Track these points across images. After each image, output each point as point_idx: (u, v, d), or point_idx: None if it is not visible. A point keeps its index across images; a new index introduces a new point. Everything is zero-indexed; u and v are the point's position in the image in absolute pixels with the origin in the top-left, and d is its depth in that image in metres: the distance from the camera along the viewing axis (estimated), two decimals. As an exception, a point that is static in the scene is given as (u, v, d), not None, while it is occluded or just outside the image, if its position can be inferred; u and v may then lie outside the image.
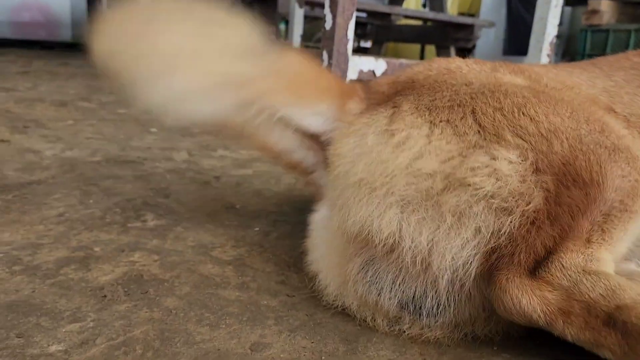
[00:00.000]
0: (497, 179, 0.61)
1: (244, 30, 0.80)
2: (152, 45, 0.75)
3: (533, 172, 0.62)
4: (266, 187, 1.30)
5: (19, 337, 0.64)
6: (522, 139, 0.65)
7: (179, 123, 0.79)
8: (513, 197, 0.60)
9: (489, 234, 0.60)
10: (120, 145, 1.63)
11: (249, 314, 0.72)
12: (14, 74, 3.06)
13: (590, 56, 3.62)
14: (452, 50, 6.02)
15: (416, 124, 0.71)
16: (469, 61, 0.90)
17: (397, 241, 0.64)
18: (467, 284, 0.64)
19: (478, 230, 0.61)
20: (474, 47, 6.64)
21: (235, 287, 0.80)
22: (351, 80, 0.93)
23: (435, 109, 0.72)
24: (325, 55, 1.83)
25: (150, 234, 0.97)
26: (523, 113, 0.66)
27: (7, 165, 1.31)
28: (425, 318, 0.69)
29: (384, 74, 1.93)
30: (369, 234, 0.67)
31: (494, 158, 0.63)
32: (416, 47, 7.30)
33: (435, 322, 0.69)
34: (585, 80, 0.92)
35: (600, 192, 0.62)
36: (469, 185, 0.62)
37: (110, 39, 0.77)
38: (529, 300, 0.58)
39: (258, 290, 0.79)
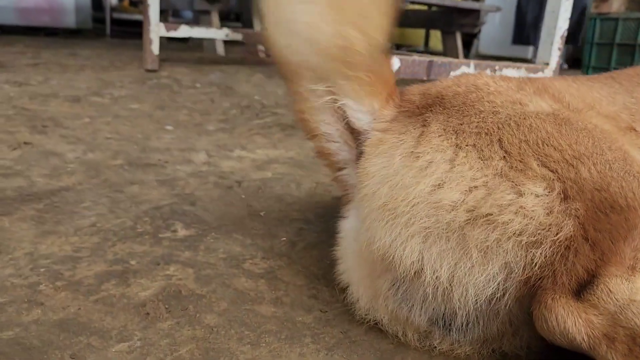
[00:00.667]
0: (524, 216, 0.63)
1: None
2: None
3: (561, 201, 0.64)
4: (287, 192, 1.33)
5: (73, 358, 0.67)
6: (548, 168, 0.67)
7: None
8: (541, 230, 0.63)
9: (521, 268, 0.63)
10: (139, 146, 1.65)
11: (286, 332, 0.76)
12: (24, 66, 3.07)
13: (599, 45, 3.61)
14: (458, 36, 5.99)
15: (441, 147, 0.72)
16: (496, 77, 0.91)
17: (418, 271, 0.67)
18: (496, 307, 0.67)
19: (506, 265, 0.64)
20: (479, 32, 6.60)
21: (270, 302, 0.83)
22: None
23: (463, 132, 0.74)
24: (339, 54, 1.84)
25: (182, 245, 1.00)
26: (547, 145, 0.68)
27: (33, 170, 1.34)
28: (454, 334, 0.73)
29: (397, 71, 1.94)
30: (393, 259, 0.69)
31: (520, 194, 0.65)
32: (421, 32, 7.26)
33: (464, 338, 0.72)
34: (606, 95, 0.94)
35: (639, 218, 0.64)
36: (496, 223, 0.64)
37: None
38: (574, 321, 0.60)
39: (292, 306, 0.83)
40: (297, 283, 0.90)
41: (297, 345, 0.73)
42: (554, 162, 0.67)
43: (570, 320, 0.59)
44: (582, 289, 0.61)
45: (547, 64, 2.39)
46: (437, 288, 0.68)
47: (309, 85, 0.81)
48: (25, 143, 1.57)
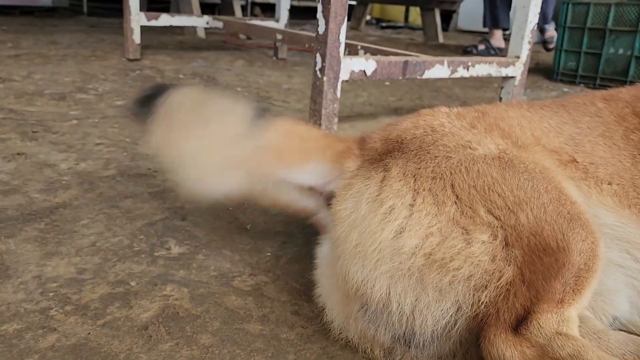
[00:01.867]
0: (471, 263, 0.74)
1: (237, 118, 1.06)
2: (181, 152, 1.05)
3: (503, 248, 0.75)
4: (271, 203, 1.43)
5: (89, 382, 0.78)
6: (493, 215, 0.77)
7: (207, 199, 1.07)
8: (486, 275, 0.74)
9: (469, 305, 0.74)
10: (129, 153, 1.73)
11: (272, 350, 0.87)
12: (5, 58, 3.08)
13: (571, 29, 3.71)
14: (437, 12, 6.03)
15: (401, 192, 0.83)
16: (451, 115, 1.01)
17: (386, 303, 0.79)
18: (450, 332, 0.79)
19: (457, 302, 0.75)
20: (458, 7, 6.63)
21: (257, 320, 0.95)
22: (344, 137, 1.07)
23: (420, 177, 0.84)
24: (318, 58, 1.92)
25: (176, 263, 1.11)
26: (492, 191, 0.80)
27: (30, 185, 1.42)
28: (413, 350, 0.85)
29: (374, 72, 2.02)
30: (365, 293, 0.81)
31: (468, 243, 0.76)
32: (401, 8, 7.27)
33: (422, 354, 0.85)
34: (554, 126, 1.05)
35: (567, 257, 0.74)
36: (448, 268, 0.75)
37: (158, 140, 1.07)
38: (511, 354, 0.71)
39: (277, 323, 0.94)
40: (281, 299, 1.01)
41: (282, 363, 0.85)
42: (497, 209, 0.78)
43: (508, 352, 0.71)
44: (520, 324, 0.73)
45: (518, 57, 2.48)
46: (402, 316, 0.79)
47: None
48: (18, 154, 1.64)
